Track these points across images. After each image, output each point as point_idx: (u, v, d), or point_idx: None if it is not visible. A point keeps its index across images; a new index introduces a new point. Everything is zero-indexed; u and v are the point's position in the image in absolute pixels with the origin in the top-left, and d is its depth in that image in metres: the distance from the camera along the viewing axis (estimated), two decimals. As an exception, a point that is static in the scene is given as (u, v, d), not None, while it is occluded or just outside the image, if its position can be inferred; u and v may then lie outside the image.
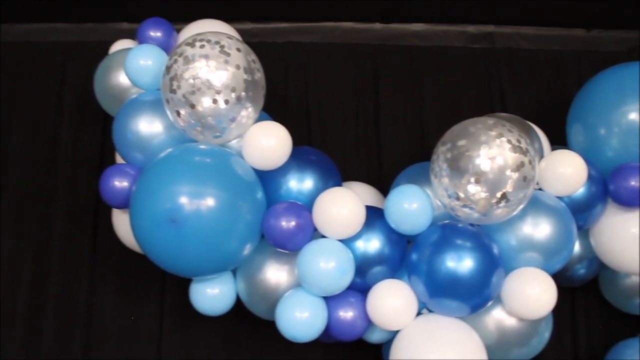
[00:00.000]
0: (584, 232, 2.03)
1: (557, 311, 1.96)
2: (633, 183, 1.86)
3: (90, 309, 2.24)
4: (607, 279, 2.17)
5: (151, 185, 1.70)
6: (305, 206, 1.76)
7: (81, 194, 2.29)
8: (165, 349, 2.24)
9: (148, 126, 1.82)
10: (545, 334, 1.89)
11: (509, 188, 1.60)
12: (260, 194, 1.77)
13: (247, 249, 1.76)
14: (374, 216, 1.77)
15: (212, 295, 1.88)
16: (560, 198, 1.84)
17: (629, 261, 1.96)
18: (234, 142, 1.84)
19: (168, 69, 1.69)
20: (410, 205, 1.71)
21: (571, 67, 2.48)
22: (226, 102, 1.67)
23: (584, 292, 2.26)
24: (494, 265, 1.70)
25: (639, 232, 1.92)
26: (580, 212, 1.88)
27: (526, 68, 2.47)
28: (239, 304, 1.94)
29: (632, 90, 1.95)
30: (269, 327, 1.88)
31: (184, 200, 1.64)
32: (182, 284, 1.98)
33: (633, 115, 1.91)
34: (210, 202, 1.65)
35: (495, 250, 1.72)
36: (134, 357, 2.24)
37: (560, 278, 1.96)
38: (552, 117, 2.33)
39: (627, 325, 2.22)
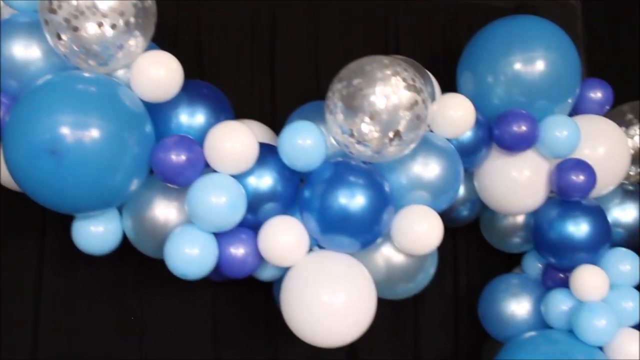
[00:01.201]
0: (468, 175, 2.12)
1: (440, 250, 2.05)
2: (516, 128, 1.96)
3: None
4: (487, 220, 2.29)
5: (28, 115, 1.57)
6: (196, 140, 1.70)
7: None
8: (45, 294, 2.10)
9: (24, 51, 1.67)
10: (430, 270, 1.97)
11: (402, 126, 1.62)
12: (148, 127, 1.69)
13: (134, 184, 1.68)
14: (267, 152, 1.75)
15: (96, 234, 1.79)
16: (449, 140, 1.91)
17: (508, 203, 2.08)
18: (121, 73, 1.73)
19: (47, -14, 1.55)
20: (304, 142, 1.70)
21: (463, 19, 2.54)
22: (113, 27, 1.56)
23: (465, 232, 2.38)
24: (385, 202, 1.73)
25: (518, 176, 2.04)
26: (467, 155, 1.96)
27: (422, 18, 2.50)
28: (125, 242, 1.87)
29: (519, 41, 2.02)
30: (158, 266, 1.82)
31: (65, 130, 1.53)
32: (64, 222, 1.87)
33: (518, 66, 1.99)
34: (94, 133, 1.55)
35: (387, 188, 1.75)
36: (9, 304, 2.09)
37: (445, 218, 2.04)
38: (444, 66, 2.40)
39: (503, 263, 2.37)
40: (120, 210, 1.83)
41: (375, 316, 1.91)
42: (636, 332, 2.02)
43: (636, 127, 2.22)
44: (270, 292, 2.06)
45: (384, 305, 2.04)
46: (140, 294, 2.17)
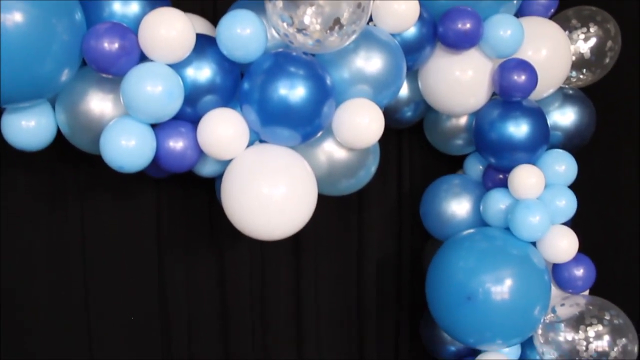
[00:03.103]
0: (413, 75, 2.11)
1: (384, 152, 2.07)
2: (460, 26, 1.93)
3: None
4: (431, 121, 2.30)
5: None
6: (129, 28, 1.62)
7: None
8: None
9: None
10: (372, 167, 1.98)
11: (343, 15, 1.58)
12: (79, 15, 1.60)
13: (65, 75, 1.61)
14: (206, 44, 1.68)
15: (27, 128, 1.72)
16: (393, 36, 1.88)
17: (451, 102, 2.09)
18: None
19: None
20: (243, 31, 1.64)
21: None
22: None
23: (409, 134, 2.39)
24: (326, 94, 1.70)
25: (461, 75, 2.04)
26: (411, 53, 1.94)
27: None
28: (62, 140, 1.81)
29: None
30: (98, 166, 1.77)
31: (-17, 13, 1.44)
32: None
33: (464, -38, 1.94)
34: (17, 17, 1.46)
35: (328, 81, 1.73)
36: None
37: (389, 119, 2.05)
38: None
39: (446, 166, 2.40)
40: (52, 104, 1.76)
41: (320, 217, 1.93)
42: (567, 228, 2.11)
43: (579, 32, 2.23)
44: (213, 191, 2.04)
45: (328, 206, 2.07)
46: (80, 196, 2.13)
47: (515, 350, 2.19)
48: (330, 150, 1.87)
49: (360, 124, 1.76)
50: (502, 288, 1.97)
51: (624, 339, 2.02)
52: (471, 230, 2.16)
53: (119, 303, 2.21)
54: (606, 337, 2.02)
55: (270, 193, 1.68)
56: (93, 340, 2.19)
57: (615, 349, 2.01)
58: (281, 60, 1.68)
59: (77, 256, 2.16)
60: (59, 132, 1.80)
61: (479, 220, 2.20)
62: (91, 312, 2.19)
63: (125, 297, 2.22)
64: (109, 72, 1.62)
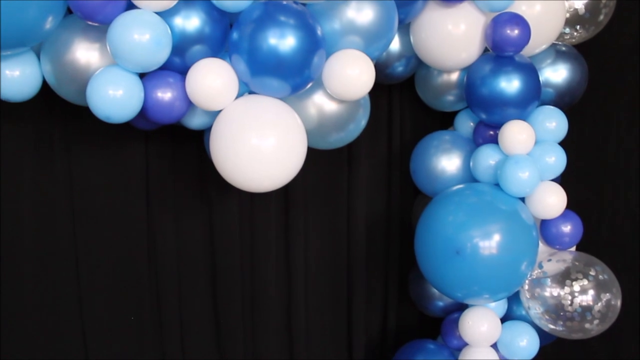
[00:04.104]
0: (404, 29, 2.09)
1: (374, 108, 2.05)
2: (453, -22, 1.91)
3: None
4: (422, 77, 2.28)
5: None
6: (114, -26, 1.58)
7: None
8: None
9: None
10: (362, 121, 1.97)
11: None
12: (63, -40, 1.57)
13: (50, 22, 1.57)
14: (194, -8, 1.65)
15: (12, 78, 1.69)
16: (384, -12, 1.85)
17: (443, 57, 2.07)
18: None
19: None
20: (233, -23, 1.62)
21: None
22: None
23: (400, 89, 2.37)
24: (316, 45, 1.68)
25: (454, 29, 2.01)
26: (403, 6, 1.91)
27: None
28: (50, 92, 1.78)
29: None
30: (86, 118, 1.75)
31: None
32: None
33: None
34: (-1, -39, 1.43)
35: (319, 31, 1.70)
36: None
37: (380, 75, 2.03)
38: None
39: (437, 122, 2.40)
40: (38, 54, 1.72)
41: (310, 172, 1.93)
42: (556, 185, 2.11)
43: (575, -12, 2.20)
44: (202, 144, 2.03)
45: (318, 161, 2.07)
46: (67, 149, 2.11)
47: (501, 305, 2.22)
48: (320, 103, 1.86)
49: (350, 75, 1.74)
50: (490, 243, 1.99)
51: (608, 294, 2.05)
52: (461, 186, 2.17)
53: (108, 258, 2.22)
54: (591, 292, 2.05)
55: (260, 144, 1.67)
56: (82, 290, 2.20)
57: (599, 303, 2.04)
58: (271, 9, 1.64)
59: (65, 210, 2.15)
60: (45, 83, 1.78)
61: (469, 177, 2.21)
62: (80, 266, 2.19)
63: (114, 252, 2.22)
64: (95, 20, 1.59)
